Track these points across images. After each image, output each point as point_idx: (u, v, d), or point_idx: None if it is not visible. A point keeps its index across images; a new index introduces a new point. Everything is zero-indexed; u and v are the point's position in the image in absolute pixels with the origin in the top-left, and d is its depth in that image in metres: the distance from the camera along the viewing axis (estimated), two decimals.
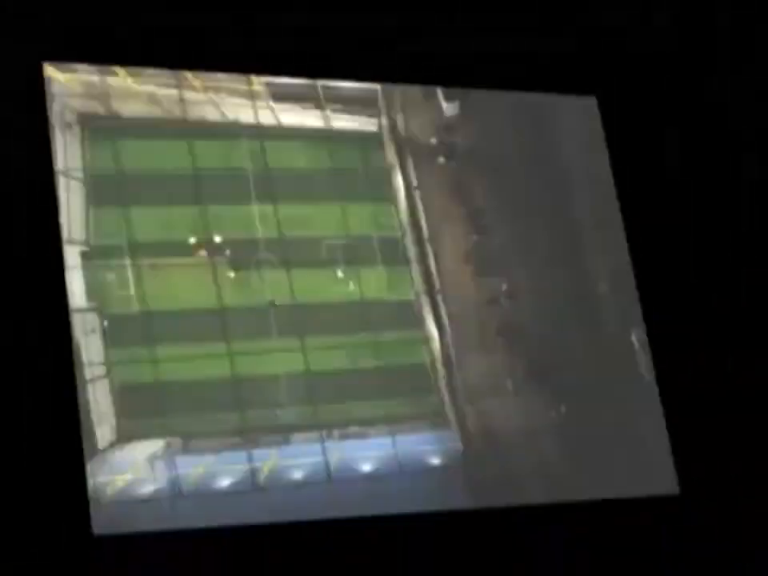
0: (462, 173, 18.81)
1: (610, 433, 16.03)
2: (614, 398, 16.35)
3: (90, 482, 13.41)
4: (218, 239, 18.85)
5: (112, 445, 15.20)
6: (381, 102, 18.60)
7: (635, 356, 16.35)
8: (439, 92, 18.27)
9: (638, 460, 15.58)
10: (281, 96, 20.91)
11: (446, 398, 18.10)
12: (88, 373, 14.98)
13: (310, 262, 19.86)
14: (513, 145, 17.93)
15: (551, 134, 17.88)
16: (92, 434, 14.21)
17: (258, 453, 16.47)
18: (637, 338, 16.30)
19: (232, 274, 18.30)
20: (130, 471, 14.69)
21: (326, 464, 17.80)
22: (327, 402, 18.03)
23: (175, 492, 14.86)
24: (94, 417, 14.36)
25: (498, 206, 17.83)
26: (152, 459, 15.49)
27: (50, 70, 16.62)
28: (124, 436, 14.96)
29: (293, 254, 19.84)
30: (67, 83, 19.14)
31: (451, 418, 17.31)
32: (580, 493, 14.89)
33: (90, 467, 13.36)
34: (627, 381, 16.49)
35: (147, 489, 14.87)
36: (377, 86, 18.79)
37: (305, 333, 18.11)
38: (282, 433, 17.09)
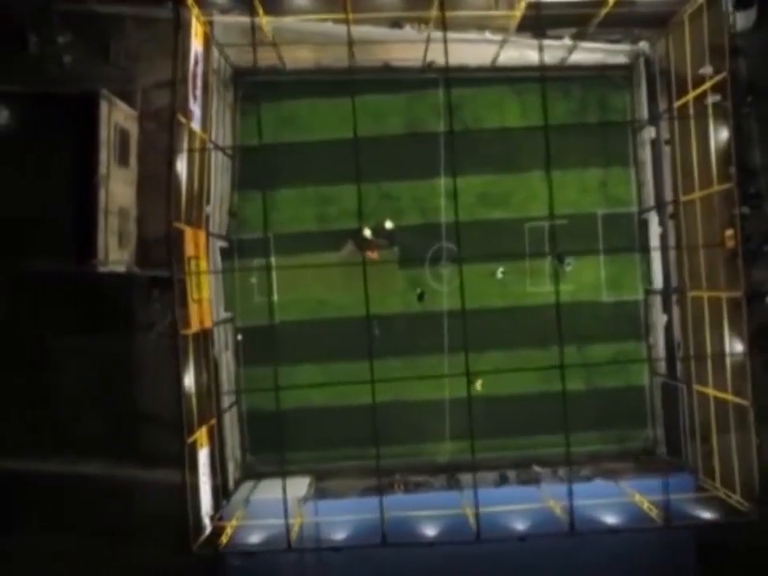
0: (742, 117, 13.84)
1: None
2: None
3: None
4: (389, 225, 15.24)
5: (238, 483, 12.71)
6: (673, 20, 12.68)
7: None
8: None
9: None
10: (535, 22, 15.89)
11: (683, 429, 14.40)
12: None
13: (502, 252, 16.44)
14: None
15: None
16: (224, 471, 11.84)
17: (443, 495, 13.47)
18: None
19: (400, 272, 15.25)
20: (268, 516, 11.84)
21: (571, 511, 14.12)
22: (514, 435, 15.10)
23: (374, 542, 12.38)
24: (228, 450, 11.92)
25: None
26: (300, 503, 13.07)
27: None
28: (252, 473, 12.52)
29: (481, 242, 16.12)
30: (226, 28, 15.60)
31: (688, 456, 13.40)
32: None
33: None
34: None
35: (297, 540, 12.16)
36: None
37: (484, 347, 15.12)
38: (459, 471, 14.27)
